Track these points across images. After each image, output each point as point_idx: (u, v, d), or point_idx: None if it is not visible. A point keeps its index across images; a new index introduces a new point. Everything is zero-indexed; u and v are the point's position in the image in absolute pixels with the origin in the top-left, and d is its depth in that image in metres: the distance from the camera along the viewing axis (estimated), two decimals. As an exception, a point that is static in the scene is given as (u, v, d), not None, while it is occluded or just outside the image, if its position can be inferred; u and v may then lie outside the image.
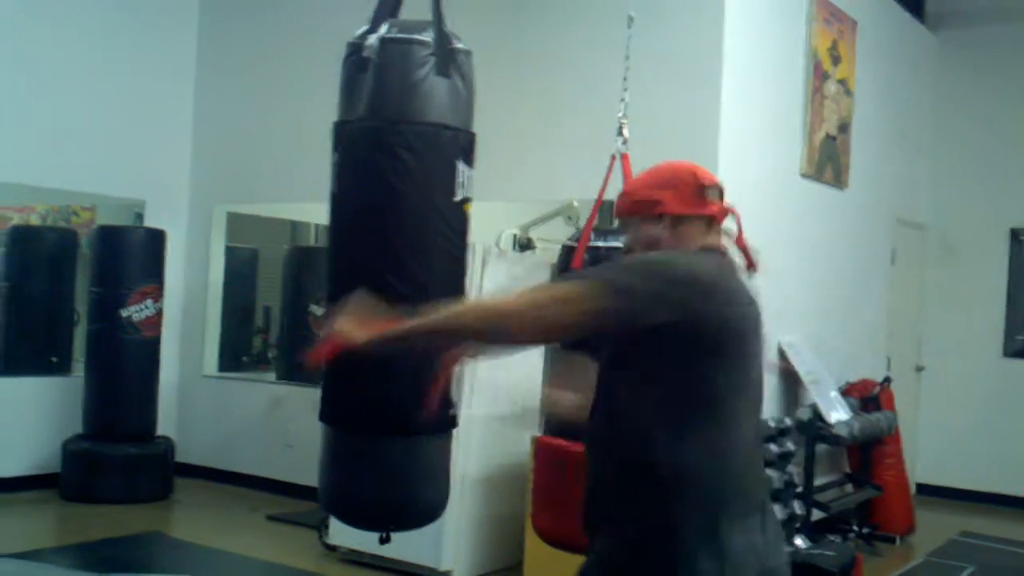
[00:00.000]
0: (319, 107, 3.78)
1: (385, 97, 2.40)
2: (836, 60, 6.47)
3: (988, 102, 8.10)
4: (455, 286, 2.54)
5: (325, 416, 2.56)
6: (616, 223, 2.21)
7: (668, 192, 1.95)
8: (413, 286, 2.41)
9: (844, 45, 6.58)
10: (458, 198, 2.48)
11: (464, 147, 2.49)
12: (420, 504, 2.55)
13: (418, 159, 2.39)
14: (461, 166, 2.46)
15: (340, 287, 2.49)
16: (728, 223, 2.00)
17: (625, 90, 3.37)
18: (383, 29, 2.42)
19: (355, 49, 2.46)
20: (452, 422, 2.59)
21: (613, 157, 3.24)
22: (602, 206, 3.37)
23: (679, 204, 1.94)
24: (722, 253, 1.97)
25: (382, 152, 2.39)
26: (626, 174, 3.14)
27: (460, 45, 2.48)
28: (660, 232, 1.95)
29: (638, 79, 3.87)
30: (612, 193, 3.42)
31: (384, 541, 2.58)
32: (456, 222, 2.50)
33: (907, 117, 7.83)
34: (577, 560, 2.52)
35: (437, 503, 2.59)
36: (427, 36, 2.43)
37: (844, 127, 6.66)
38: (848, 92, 6.67)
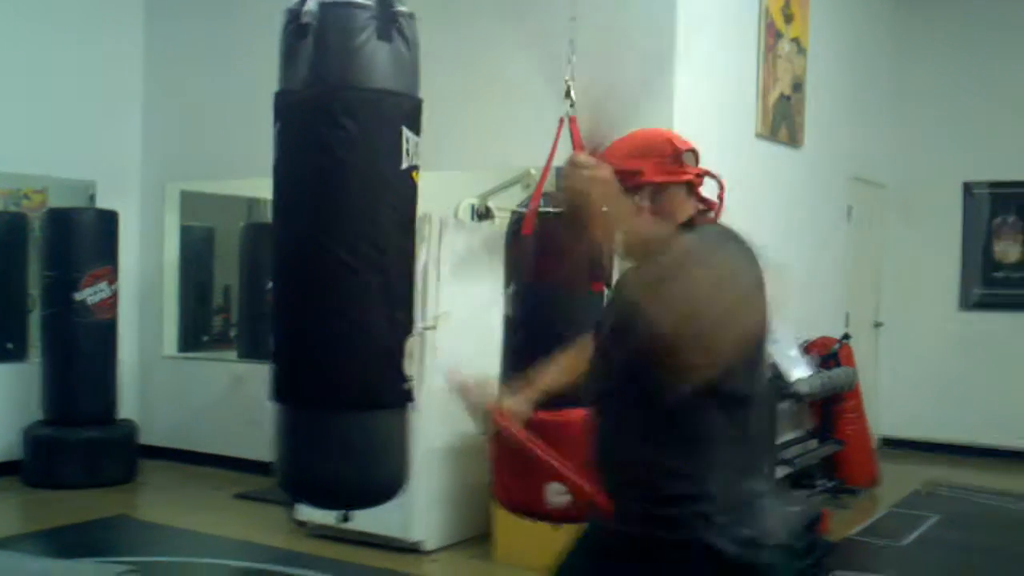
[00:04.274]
0: (272, 81, 3.72)
1: (326, 64, 2.34)
2: (789, 19, 6.47)
3: (944, 58, 8.15)
4: (406, 258, 2.50)
5: (278, 395, 2.49)
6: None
7: (648, 161, 1.94)
8: (363, 260, 2.36)
9: (796, 3, 6.57)
10: (405, 166, 2.42)
11: (409, 113, 2.43)
12: (379, 480, 2.50)
13: (361, 126, 2.33)
14: (407, 133, 2.40)
15: (287, 262, 2.46)
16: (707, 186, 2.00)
17: (572, 53, 3.33)
18: (322, -7, 2.35)
19: (294, 16, 2.38)
20: (408, 396, 2.54)
21: (561, 120, 3.21)
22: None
23: (659, 173, 1.93)
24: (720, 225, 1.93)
25: (323, 120, 2.32)
26: (574, 138, 3.11)
27: (402, 8, 2.41)
28: (642, 202, 1.93)
29: (590, 42, 3.83)
30: (560, 159, 3.40)
31: (344, 519, 2.56)
32: (404, 191, 2.45)
33: (863, 74, 7.85)
34: (542, 529, 2.51)
35: (397, 479, 2.54)
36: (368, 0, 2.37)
37: (798, 86, 6.67)
38: (801, 50, 6.68)
